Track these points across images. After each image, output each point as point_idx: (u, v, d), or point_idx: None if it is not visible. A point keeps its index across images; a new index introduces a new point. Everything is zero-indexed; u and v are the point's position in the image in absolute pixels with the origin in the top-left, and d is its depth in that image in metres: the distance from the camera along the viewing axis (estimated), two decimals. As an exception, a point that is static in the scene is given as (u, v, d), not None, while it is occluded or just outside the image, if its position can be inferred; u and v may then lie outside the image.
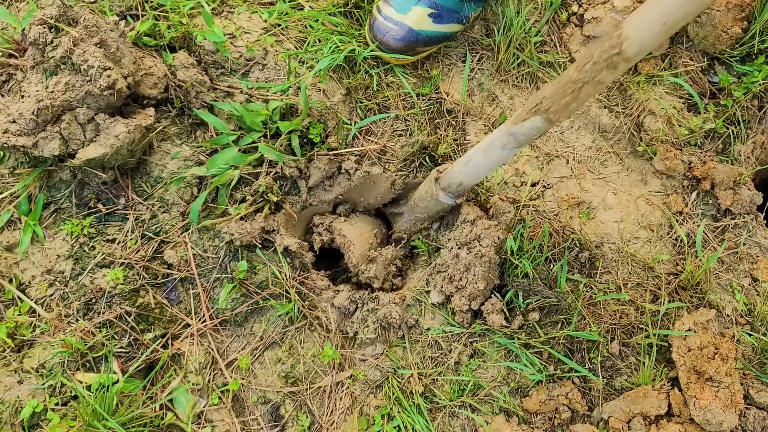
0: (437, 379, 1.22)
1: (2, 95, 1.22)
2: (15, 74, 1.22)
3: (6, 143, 1.07)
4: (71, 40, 1.09)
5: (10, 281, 1.17)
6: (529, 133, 0.96)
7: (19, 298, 1.16)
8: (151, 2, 1.30)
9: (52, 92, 1.10)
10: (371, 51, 1.30)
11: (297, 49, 1.32)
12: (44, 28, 1.12)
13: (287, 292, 1.22)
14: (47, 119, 1.11)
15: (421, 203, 1.28)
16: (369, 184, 1.35)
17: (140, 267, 1.19)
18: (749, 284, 1.34)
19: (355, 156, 1.31)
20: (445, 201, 1.22)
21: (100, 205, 1.21)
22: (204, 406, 1.16)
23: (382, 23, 1.30)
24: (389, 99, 1.34)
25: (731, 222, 1.37)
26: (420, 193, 1.29)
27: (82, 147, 1.14)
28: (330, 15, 1.34)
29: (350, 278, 1.40)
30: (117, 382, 1.12)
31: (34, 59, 1.15)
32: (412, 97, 1.35)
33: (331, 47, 1.28)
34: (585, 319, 1.25)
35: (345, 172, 1.30)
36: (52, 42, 1.11)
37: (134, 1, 1.29)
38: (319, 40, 1.32)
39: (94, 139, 1.14)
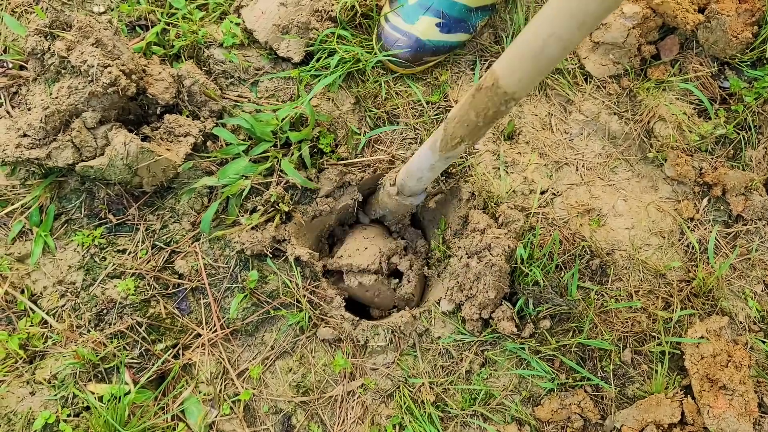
0: (449, 388, 1.22)
1: (13, 107, 1.22)
2: (22, 87, 1.23)
3: (20, 157, 1.08)
4: (67, 43, 1.09)
5: (22, 292, 1.18)
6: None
7: (31, 309, 1.17)
8: (163, 9, 1.30)
9: (56, 98, 1.10)
10: (377, 61, 1.30)
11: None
12: (40, 37, 1.13)
13: (298, 301, 1.22)
14: (56, 126, 1.12)
15: (389, 206, 1.32)
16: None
17: (151, 277, 1.19)
18: (762, 291, 1.33)
19: (365, 166, 1.31)
20: (412, 203, 1.28)
21: (110, 216, 1.21)
22: (215, 417, 1.16)
23: (390, 33, 1.30)
24: (398, 107, 1.34)
25: (743, 228, 1.36)
26: (383, 203, 1.33)
27: (95, 155, 1.14)
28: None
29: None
30: (129, 392, 1.12)
31: (35, 70, 1.16)
32: (421, 105, 1.35)
33: (337, 60, 1.28)
34: (597, 327, 1.24)
35: (355, 183, 1.30)
36: (49, 49, 1.12)
37: (143, 11, 1.30)
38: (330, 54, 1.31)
39: (106, 147, 1.14)
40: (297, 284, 1.22)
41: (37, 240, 1.19)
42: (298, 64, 1.31)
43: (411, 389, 1.21)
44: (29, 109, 1.16)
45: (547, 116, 1.40)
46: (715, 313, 1.29)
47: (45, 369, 1.13)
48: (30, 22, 1.28)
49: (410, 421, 1.18)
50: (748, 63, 1.41)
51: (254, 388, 1.19)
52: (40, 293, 1.18)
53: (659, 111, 1.38)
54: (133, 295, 1.17)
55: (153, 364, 1.16)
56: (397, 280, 1.34)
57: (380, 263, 1.30)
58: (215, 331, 1.20)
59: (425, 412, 1.19)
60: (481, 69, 1.40)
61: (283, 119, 1.24)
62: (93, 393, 1.12)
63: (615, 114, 1.41)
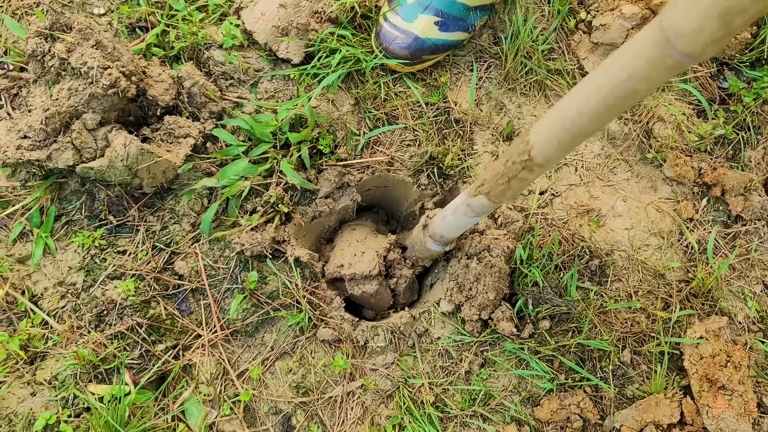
0: (448, 389, 1.22)
1: (13, 108, 1.23)
2: (22, 89, 1.24)
3: (21, 159, 1.08)
4: (67, 45, 1.09)
5: (23, 293, 1.18)
6: (480, 207, 0.97)
7: (32, 310, 1.17)
8: (163, 11, 1.31)
9: (56, 99, 1.11)
10: (378, 61, 1.30)
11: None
12: (41, 38, 1.13)
13: (298, 302, 1.22)
14: (56, 128, 1.12)
15: (416, 245, 1.26)
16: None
17: (151, 278, 1.20)
18: (761, 291, 1.33)
19: (364, 167, 1.31)
20: (433, 248, 1.21)
21: (110, 217, 1.22)
22: (215, 417, 1.16)
23: (389, 31, 1.30)
24: (397, 108, 1.34)
25: (742, 228, 1.36)
26: (414, 236, 1.26)
27: (95, 157, 1.14)
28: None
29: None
30: (129, 393, 1.12)
31: (35, 72, 1.16)
32: (420, 106, 1.35)
33: (338, 60, 1.28)
34: (596, 328, 1.25)
35: (354, 184, 1.31)
36: (49, 51, 1.12)
37: (143, 13, 1.30)
38: (331, 52, 1.31)
39: (106, 148, 1.15)
40: (297, 285, 1.23)
41: (38, 241, 1.19)
42: (298, 66, 1.32)
43: (411, 390, 1.21)
44: (30, 111, 1.17)
45: (547, 117, 1.40)
46: (714, 314, 1.29)
47: (46, 370, 1.14)
48: (30, 24, 1.28)
49: (410, 422, 1.18)
50: (747, 63, 1.41)
51: (254, 389, 1.19)
52: (41, 294, 1.18)
53: (658, 111, 1.38)
54: (133, 296, 1.17)
55: (153, 365, 1.16)
56: (395, 279, 1.34)
57: (379, 267, 1.30)
58: (215, 331, 1.20)
59: (425, 412, 1.19)
60: (479, 70, 1.40)
61: (283, 120, 1.24)
62: (93, 394, 1.12)
63: (614, 114, 1.41)
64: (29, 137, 1.12)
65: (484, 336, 1.23)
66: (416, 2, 1.30)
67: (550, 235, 1.27)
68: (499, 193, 0.89)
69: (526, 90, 1.41)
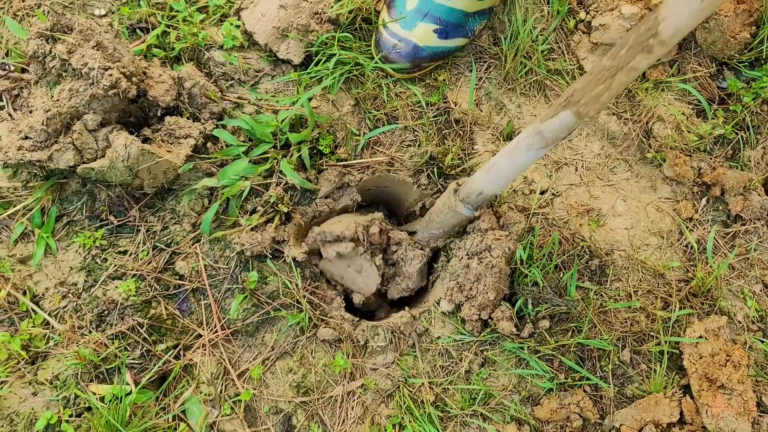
0: (448, 388, 1.22)
1: (15, 109, 1.23)
2: (24, 90, 1.24)
3: (22, 159, 1.08)
4: (68, 46, 1.10)
5: (24, 293, 1.18)
6: (557, 130, 0.92)
7: (33, 310, 1.17)
8: (163, 12, 1.31)
9: (57, 100, 1.11)
10: (375, 64, 1.31)
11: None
12: (42, 40, 1.14)
13: (298, 302, 1.23)
14: (57, 129, 1.12)
15: (438, 217, 1.25)
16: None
17: (152, 278, 1.20)
18: (761, 290, 1.34)
19: (364, 167, 1.31)
20: (463, 212, 1.19)
21: (111, 217, 1.22)
22: (216, 417, 1.17)
23: (388, 39, 1.31)
24: (398, 109, 1.34)
25: (742, 228, 1.36)
26: (437, 206, 1.25)
27: (96, 157, 1.15)
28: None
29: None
30: (130, 393, 1.12)
31: (36, 73, 1.16)
32: (420, 106, 1.35)
33: (335, 62, 1.29)
34: (596, 327, 1.25)
35: (354, 184, 1.31)
36: (50, 52, 1.13)
37: (144, 14, 1.31)
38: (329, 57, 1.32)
39: (107, 149, 1.15)
40: (297, 285, 1.23)
41: (39, 241, 1.20)
42: (298, 66, 1.32)
43: (411, 389, 1.22)
44: (31, 112, 1.17)
45: (546, 117, 1.40)
46: (713, 313, 1.29)
47: (47, 370, 1.14)
48: (31, 25, 1.28)
49: (410, 421, 1.19)
50: (746, 63, 1.41)
51: (255, 389, 1.19)
52: (42, 294, 1.19)
53: (658, 111, 1.39)
54: (134, 296, 1.18)
55: (154, 365, 1.17)
56: (381, 255, 1.32)
57: (356, 231, 1.26)
58: (216, 331, 1.20)
59: (425, 411, 1.19)
60: (478, 70, 1.40)
61: (283, 120, 1.24)
62: (94, 393, 1.13)
63: (614, 114, 1.42)
64: (30, 138, 1.13)
65: (484, 335, 1.23)
66: (415, 9, 1.30)
67: (550, 235, 1.28)
68: (593, 99, 0.85)
69: (525, 90, 1.41)
